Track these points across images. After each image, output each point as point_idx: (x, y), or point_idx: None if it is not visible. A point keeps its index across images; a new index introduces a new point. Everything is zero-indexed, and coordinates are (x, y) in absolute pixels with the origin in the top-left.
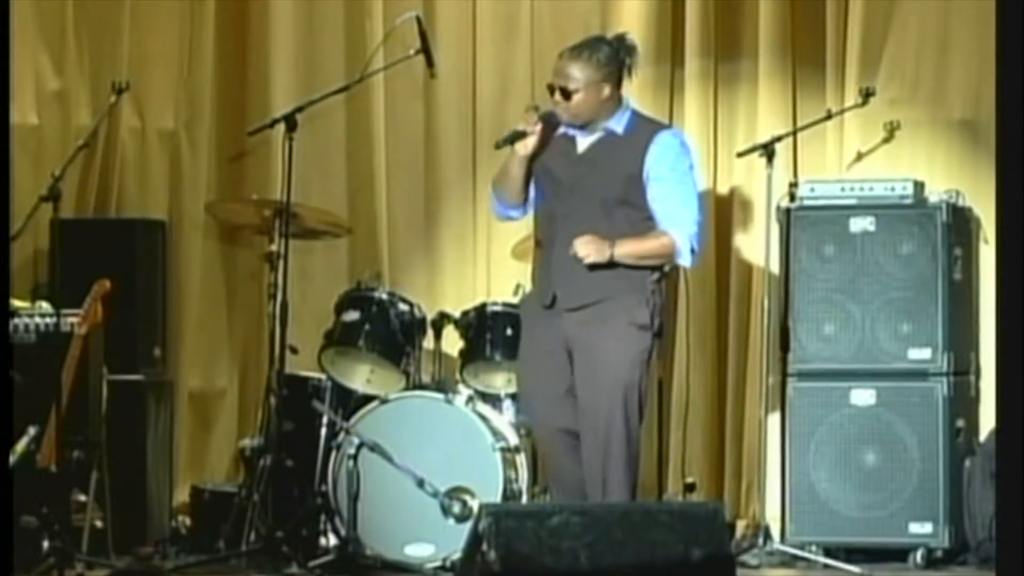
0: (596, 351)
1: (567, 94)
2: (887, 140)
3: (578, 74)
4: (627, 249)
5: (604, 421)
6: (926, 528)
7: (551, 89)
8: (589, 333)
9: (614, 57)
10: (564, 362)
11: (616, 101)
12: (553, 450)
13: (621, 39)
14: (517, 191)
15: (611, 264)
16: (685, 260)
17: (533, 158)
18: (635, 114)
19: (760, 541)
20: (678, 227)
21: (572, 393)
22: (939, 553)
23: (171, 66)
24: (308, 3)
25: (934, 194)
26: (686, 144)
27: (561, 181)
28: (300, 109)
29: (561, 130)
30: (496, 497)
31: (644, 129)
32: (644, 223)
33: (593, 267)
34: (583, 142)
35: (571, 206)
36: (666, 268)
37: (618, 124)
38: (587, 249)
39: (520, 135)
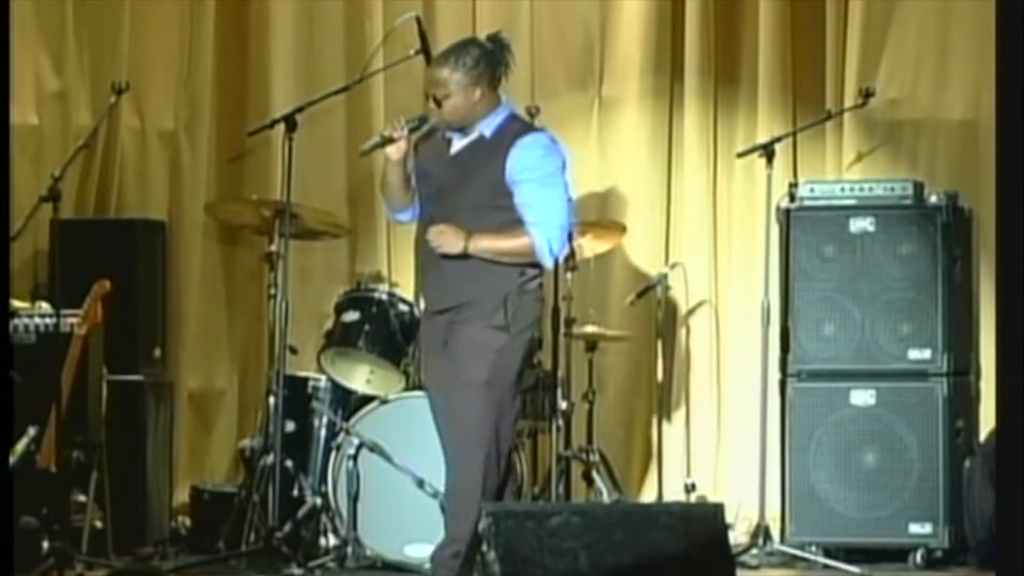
0: (453, 352)
1: (438, 100)
2: (887, 140)
3: (447, 79)
4: (483, 244)
5: (450, 417)
6: (926, 528)
7: (426, 96)
8: (451, 335)
9: (484, 59)
10: (443, 364)
11: (490, 103)
12: (452, 456)
13: (494, 39)
14: (398, 195)
15: (476, 266)
16: (545, 261)
17: (416, 162)
18: (509, 117)
19: (760, 541)
20: (538, 227)
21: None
22: (939, 553)
23: (171, 66)
24: (308, 3)
25: (934, 194)
26: (553, 147)
27: (435, 185)
28: (300, 109)
29: (442, 130)
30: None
31: (510, 133)
32: (513, 225)
33: (457, 268)
34: (456, 145)
35: (444, 209)
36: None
37: (489, 128)
38: (441, 239)
39: (387, 141)
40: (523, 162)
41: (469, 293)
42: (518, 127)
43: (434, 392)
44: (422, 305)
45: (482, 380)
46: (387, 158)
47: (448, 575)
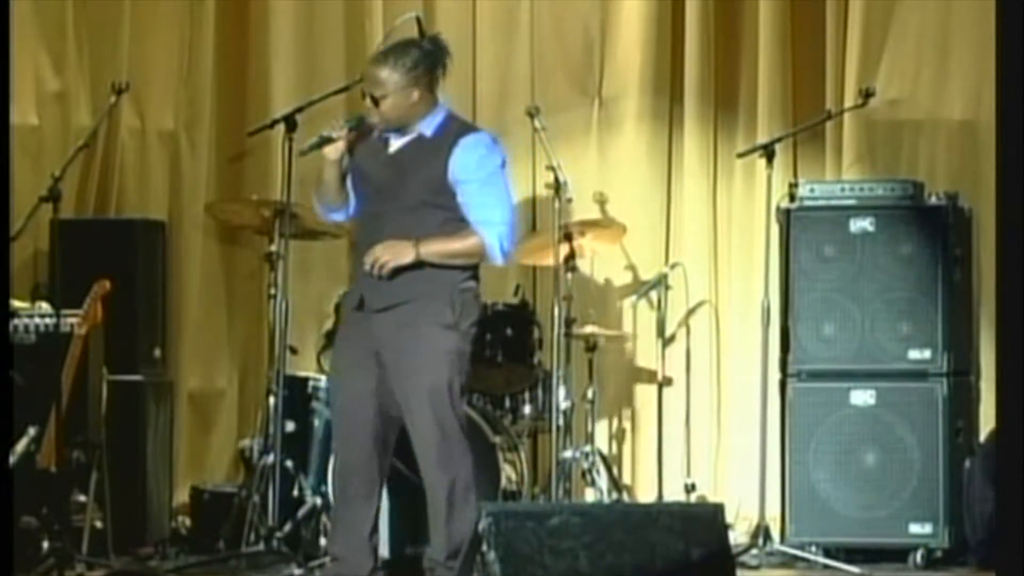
0: (402, 353)
1: (376, 100)
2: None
3: (385, 79)
4: (433, 248)
5: (418, 423)
6: (926, 528)
7: (363, 95)
8: (395, 334)
9: (423, 60)
10: (372, 364)
11: (428, 104)
12: (350, 454)
13: (434, 40)
14: (334, 194)
15: (418, 265)
16: (497, 259)
17: (351, 161)
18: (448, 117)
19: (760, 541)
20: (487, 227)
21: (376, 394)
22: (939, 553)
23: (171, 66)
24: (308, 3)
25: (934, 194)
26: (495, 146)
27: (372, 183)
28: (300, 109)
29: (378, 131)
30: (496, 498)
31: (451, 132)
32: (456, 225)
33: (400, 268)
34: (394, 145)
35: (382, 208)
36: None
37: (428, 127)
38: (387, 255)
39: (327, 140)
40: (466, 162)
41: (414, 291)
42: (459, 126)
43: (353, 389)
44: (345, 304)
45: (444, 383)
46: (325, 157)
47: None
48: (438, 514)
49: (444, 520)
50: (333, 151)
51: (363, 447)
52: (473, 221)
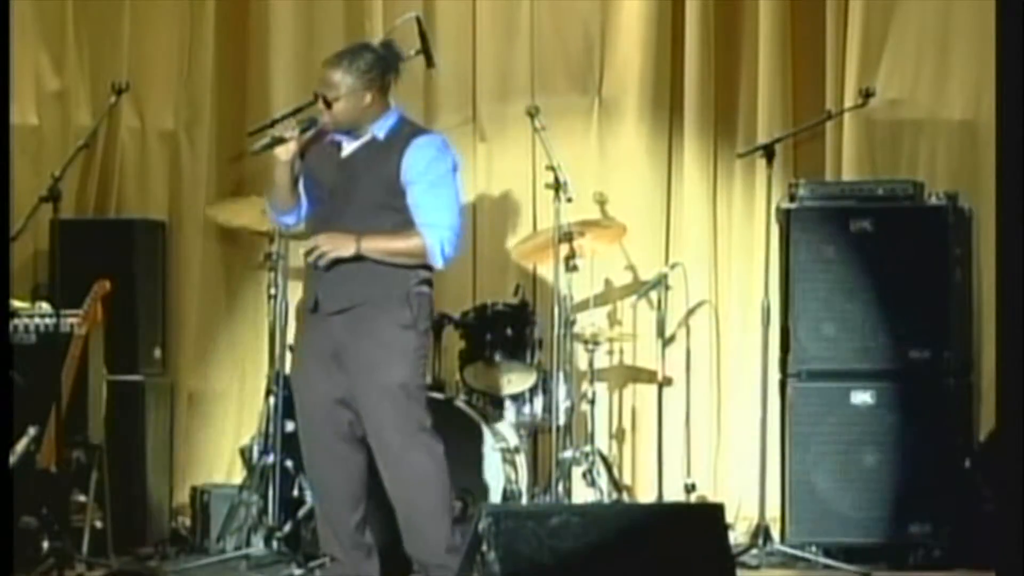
0: (361, 354)
1: (328, 102)
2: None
3: (338, 82)
4: (374, 245)
5: (378, 424)
6: (926, 528)
7: (316, 97)
8: (353, 336)
9: (376, 64)
10: (331, 366)
11: (381, 107)
12: (318, 456)
13: (387, 45)
14: (285, 197)
15: (371, 266)
16: (436, 261)
17: (303, 165)
18: (400, 120)
19: (760, 541)
20: (431, 229)
21: (339, 396)
22: (939, 553)
23: (171, 66)
24: (308, 3)
25: (934, 194)
26: (445, 149)
27: (325, 186)
28: (300, 109)
29: (330, 136)
30: (496, 497)
31: (403, 134)
32: (407, 227)
33: (353, 268)
34: (347, 148)
35: (335, 211)
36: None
37: (381, 130)
38: (328, 245)
39: (278, 141)
40: (417, 163)
41: (369, 293)
42: (411, 129)
43: (315, 392)
44: (302, 307)
45: (402, 381)
46: (276, 159)
47: (441, 572)
48: (402, 515)
49: (410, 521)
50: (284, 152)
51: (332, 448)
52: (418, 223)
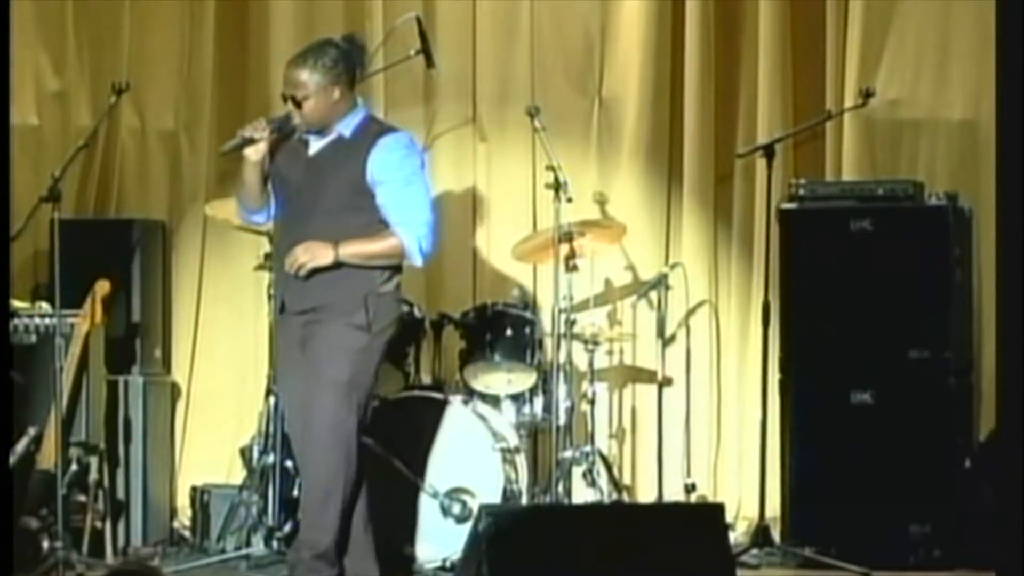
0: (315, 352)
1: (298, 102)
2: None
3: (306, 81)
4: (352, 250)
5: (313, 414)
6: (926, 528)
7: (284, 98)
8: (312, 335)
9: (341, 59)
10: (300, 364)
11: (348, 104)
12: (298, 455)
13: (350, 40)
14: (254, 196)
15: (336, 268)
16: (416, 260)
17: (271, 164)
18: (367, 118)
19: (760, 541)
20: (406, 228)
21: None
22: (938, 553)
23: (171, 66)
24: (308, 3)
25: (934, 194)
26: (413, 147)
27: (292, 186)
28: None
29: (298, 134)
30: (496, 498)
31: (370, 133)
32: (377, 227)
33: (318, 270)
34: (314, 146)
35: (303, 211)
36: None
37: (347, 128)
38: (305, 256)
39: (249, 141)
40: (385, 162)
41: (329, 295)
42: (377, 127)
43: (290, 391)
44: (280, 305)
45: (344, 379)
46: (245, 159)
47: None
48: (311, 511)
49: (315, 519)
50: (254, 152)
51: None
52: (392, 222)
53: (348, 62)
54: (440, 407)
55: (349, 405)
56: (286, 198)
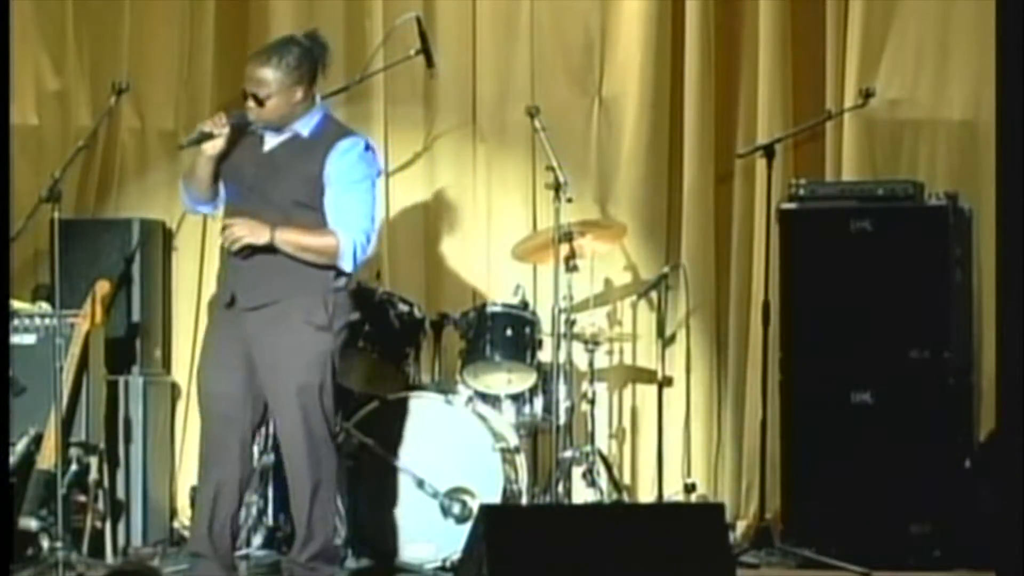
0: (274, 352)
1: (260, 100)
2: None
3: (270, 79)
4: (288, 237)
5: (287, 424)
6: (926, 528)
7: (244, 95)
8: (267, 333)
9: (305, 58)
10: (243, 364)
11: (308, 103)
12: (217, 454)
13: (312, 37)
14: (205, 188)
15: (291, 264)
16: (347, 264)
17: (223, 156)
18: (325, 118)
19: (760, 541)
20: (345, 230)
21: (248, 397)
22: (938, 553)
23: (171, 66)
24: (308, 3)
25: (934, 194)
26: (368, 154)
27: (245, 180)
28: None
29: (253, 128)
30: (496, 498)
31: (329, 134)
32: (323, 226)
33: (271, 265)
34: (270, 142)
35: (253, 205)
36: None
37: (305, 127)
38: (243, 230)
39: (208, 136)
40: (339, 165)
41: (287, 290)
42: (337, 129)
43: (225, 386)
44: (215, 302)
45: (316, 384)
46: (202, 152)
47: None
48: (301, 516)
49: (306, 522)
50: (211, 148)
51: (230, 448)
52: (333, 223)
53: (311, 61)
54: (440, 407)
55: (325, 408)
56: (237, 192)
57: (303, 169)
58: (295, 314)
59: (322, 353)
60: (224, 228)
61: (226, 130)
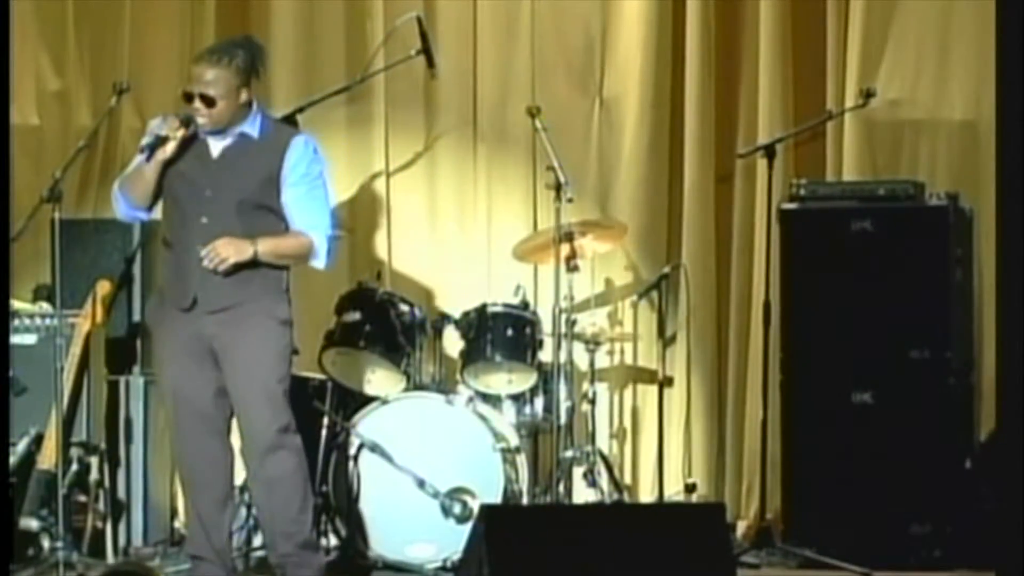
0: (242, 351)
1: (210, 101)
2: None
3: (220, 80)
4: (268, 247)
5: (254, 419)
6: (926, 528)
7: (189, 96)
8: (233, 333)
9: (250, 60)
10: (207, 362)
11: (249, 104)
12: (194, 454)
13: (249, 39)
14: (148, 194)
15: (251, 264)
16: (320, 262)
17: (170, 162)
18: (266, 118)
19: (760, 541)
20: (315, 230)
21: (215, 394)
22: (938, 553)
23: (171, 66)
24: (308, 3)
25: (934, 194)
26: (318, 151)
27: (196, 184)
28: (301, 110)
29: (195, 130)
30: (496, 498)
31: (280, 133)
32: (280, 226)
33: (234, 267)
34: (216, 146)
35: (207, 209)
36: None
37: (252, 128)
38: (228, 250)
39: (163, 140)
40: (298, 164)
41: (249, 291)
42: (281, 127)
43: (187, 389)
44: (163, 306)
45: (278, 378)
46: (153, 156)
47: (297, 570)
48: (265, 511)
49: (274, 516)
50: (163, 152)
51: (206, 446)
52: (300, 224)
53: (255, 64)
54: (441, 407)
55: (286, 402)
56: (187, 196)
57: (260, 170)
58: (259, 312)
59: (287, 347)
60: (206, 250)
61: (180, 133)
